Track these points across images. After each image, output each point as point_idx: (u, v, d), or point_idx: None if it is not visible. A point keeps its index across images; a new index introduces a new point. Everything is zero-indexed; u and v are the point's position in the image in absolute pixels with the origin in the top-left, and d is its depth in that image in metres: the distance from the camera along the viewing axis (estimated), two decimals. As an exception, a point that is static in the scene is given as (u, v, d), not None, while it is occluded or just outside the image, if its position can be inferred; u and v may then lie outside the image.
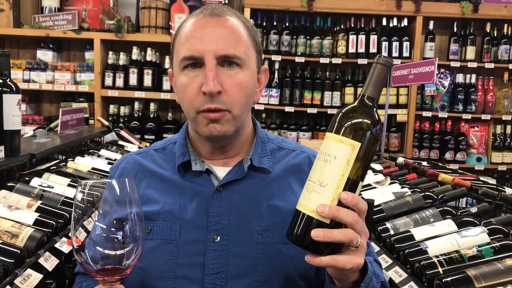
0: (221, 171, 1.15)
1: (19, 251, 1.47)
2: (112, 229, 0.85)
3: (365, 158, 0.86)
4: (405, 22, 4.36)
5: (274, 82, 4.38)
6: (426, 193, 1.93)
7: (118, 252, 0.85)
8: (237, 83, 1.06)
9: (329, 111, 4.38)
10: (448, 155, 4.38)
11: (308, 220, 0.85)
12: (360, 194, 0.90)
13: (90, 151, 2.93)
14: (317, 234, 0.82)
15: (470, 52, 4.38)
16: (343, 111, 0.89)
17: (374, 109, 0.88)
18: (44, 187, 2.04)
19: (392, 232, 1.73)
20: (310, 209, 0.85)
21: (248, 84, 1.09)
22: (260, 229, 1.10)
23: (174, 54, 1.13)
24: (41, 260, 1.57)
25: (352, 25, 4.39)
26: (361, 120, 0.86)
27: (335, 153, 0.85)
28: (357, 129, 0.85)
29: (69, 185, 2.16)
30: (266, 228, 1.10)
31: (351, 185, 0.85)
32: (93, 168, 2.49)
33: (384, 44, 4.33)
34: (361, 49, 4.33)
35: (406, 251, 1.53)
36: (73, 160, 2.55)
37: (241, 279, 1.07)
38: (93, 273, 0.86)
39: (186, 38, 1.08)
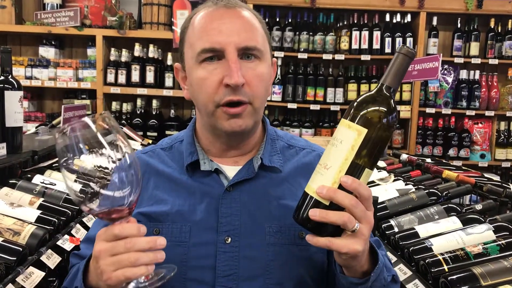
0: (230, 171, 1.13)
1: (21, 249, 1.46)
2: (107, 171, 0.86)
3: (372, 146, 0.86)
4: (408, 18, 4.34)
5: (276, 78, 4.36)
6: (430, 190, 1.91)
7: (117, 194, 0.86)
8: (258, 75, 1.05)
9: (332, 107, 4.36)
10: (451, 152, 4.36)
11: (310, 201, 0.88)
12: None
13: (96, 148, 2.92)
14: (314, 213, 0.85)
15: (474, 48, 4.36)
16: (358, 98, 0.89)
17: (391, 99, 0.88)
18: (46, 184, 2.03)
19: (396, 230, 1.72)
20: (312, 190, 0.87)
21: (267, 76, 1.08)
22: (272, 230, 1.08)
23: (186, 47, 1.10)
24: (43, 258, 1.56)
25: (355, 21, 4.37)
26: (372, 108, 0.86)
27: (342, 138, 0.86)
28: (366, 116, 0.86)
29: (71, 182, 2.15)
30: (278, 229, 1.08)
31: (355, 170, 0.86)
32: (99, 166, 2.48)
33: (387, 40, 4.30)
34: (364, 45, 4.31)
35: (410, 249, 1.51)
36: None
37: (253, 281, 1.05)
38: (100, 214, 0.88)
39: (203, 30, 1.05)
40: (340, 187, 0.85)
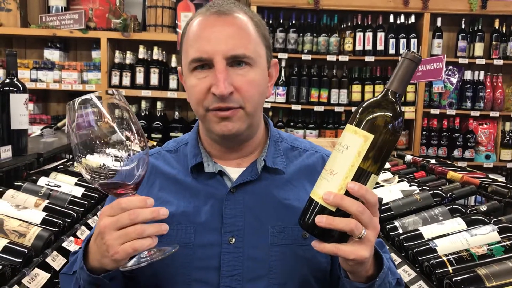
0: (234, 172, 1.13)
1: (26, 251, 1.47)
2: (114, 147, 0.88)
3: (378, 152, 0.85)
4: (412, 19, 4.33)
5: (280, 80, 4.37)
6: (434, 191, 1.91)
7: (124, 168, 0.88)
8: (249, 81, 1.05)
9: (336, 109, 4.36)
10: (456, 153, 4.35)
11: (316, 207, 0.87)
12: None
13: (98, 150, 2.93)
14: (320, 220, 0.84)
15: (479, 48, 4.34)
16: (364, 104, 0.89)
17: (396, 104, 0.87)
18: (51, 186, 2.04)
19: (400, 231, 1.72)
20: (318, 196, 0.87)
21: (260, 82, 1.08)
22: (275, 230, 1.09)
23: (183, 54, 1.11)
24: (48, 260, 1.57)
25: (359, 22, 4.37)
26: (378, 113, 0.86)
27: (348, 144, 0.86)
28: (372, 122, 0.85)
29: (76, 184, 2.16)
30: (281, 230, 1.09)
31: (362, 176, 0.85)
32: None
33: (392, 41, 4.30)
34: (368, 46, 4.31)
35: (415, 250, 1.51)
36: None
37: (257, 281, 1.06)
38: (107, 188, 0.89)
39: (194, 39, 1.06)
40: (347, 193, 0.85)
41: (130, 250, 0.86)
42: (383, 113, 0.86)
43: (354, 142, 0.85)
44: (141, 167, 0.90)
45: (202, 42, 1.04)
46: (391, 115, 0.86)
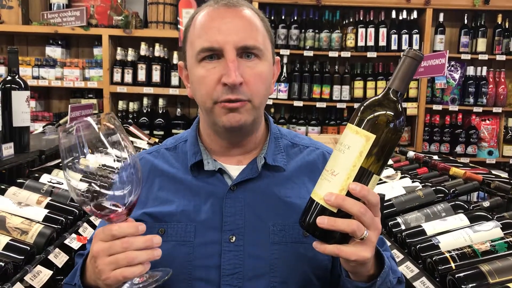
0: (234, 170, 1.13)
1: (29, 248, 1.47)
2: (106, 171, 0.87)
3: (380, 151, 0.84)
4: (414, 15, 4.31)
5: (282, 76, 4.36)
6: (437, 188, 1.91)
7: (117, 193, 0.86)
8: (257, 74, 1.04)
9: (338, 105, 4.35)
10: (459, 149, 4.34)
11: (317, 208, 0.86)
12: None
13: (99, 148, 2.93)
14: (322, 221, 0.84)
15: (481, 44, 4.32)
16: (365, 103, 0.88)
17: (397, 103, 0.86)
18: (53, 183, 2.04)
19: (403, 227, 1.72)
20: (319, 197, 0.86)
21: (267, 75, 1.08)
22: (276, 228, 1.08)
23: (188, 46, 1.10)
24: (51, 257, 1.58)
25: (361, 18, 4.36)
26: (380, 113, 0.85)
27: (349, 144, 0.85)
28: (373, 121, 0.84)
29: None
30: (282, 228, 1.08)
31: (363, 176, 0.84)
32: (102, 165, 2.49)
33: (394, 37, 4.28)
34: (370, 42, 4.30)
35: (417, 246, 1.51)
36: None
37: (258, 279, 1.05)
38: (100, 214, 0.87)
39: (203, 29, 1.05)
40: (348, 194, 0.84)
41: (120, 277, 0.85)
42: (385, 112, 0.85)
43: (355, 142, 0.84)
44: (134, 193, 0.88)
45: (212, 32, 1.03)
46: (393, 114, 0.85)
